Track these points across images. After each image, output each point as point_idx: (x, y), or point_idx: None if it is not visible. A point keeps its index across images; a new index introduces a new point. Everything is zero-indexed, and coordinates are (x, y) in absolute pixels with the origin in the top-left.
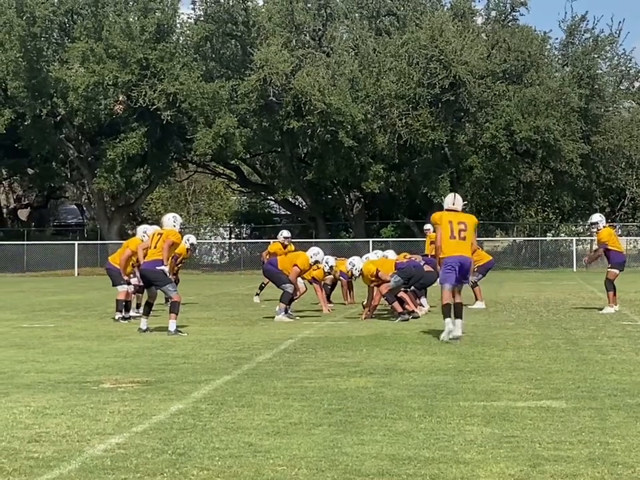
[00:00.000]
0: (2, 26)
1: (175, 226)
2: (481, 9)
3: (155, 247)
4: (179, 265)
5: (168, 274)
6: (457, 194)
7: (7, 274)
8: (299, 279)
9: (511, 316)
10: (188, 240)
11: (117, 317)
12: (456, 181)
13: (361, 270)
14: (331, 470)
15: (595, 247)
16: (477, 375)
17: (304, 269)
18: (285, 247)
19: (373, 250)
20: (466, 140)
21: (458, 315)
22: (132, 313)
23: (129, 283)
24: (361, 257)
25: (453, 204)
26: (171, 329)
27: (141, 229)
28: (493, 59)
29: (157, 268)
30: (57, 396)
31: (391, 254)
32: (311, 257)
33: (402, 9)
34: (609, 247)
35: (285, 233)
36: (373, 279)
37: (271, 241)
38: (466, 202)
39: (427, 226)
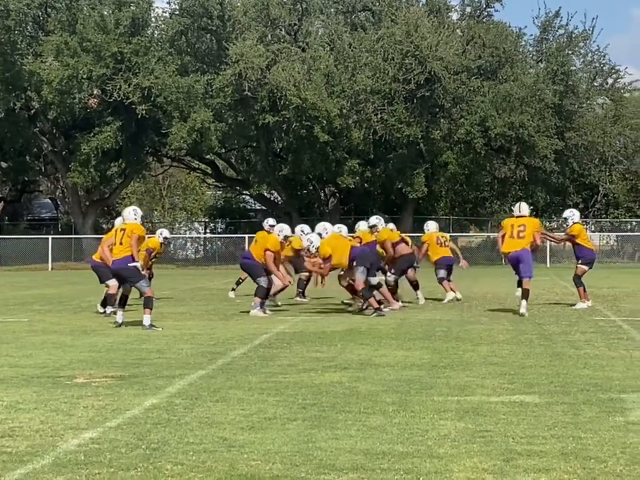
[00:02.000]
0: None
1: (136, 219)
2: (456, 5)
3: (121, 243)
4: (153, 260)
5: (141, 269)
6: (522, 203)
7: None
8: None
9: (484, 311)
10: (161, 234)
11: (108, 312)
12: (431, 176)
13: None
14: (305, 464)
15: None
16: (451, 370)
17: (276, 250)
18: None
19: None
20: (441, 135)
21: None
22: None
23: None
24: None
25: (520, 211)
26: (145, 323)
27: (120, 220)
28: (468, 55)
29: (130, 265)
30: (30, 391)
31: (343, 229)
32: (278, 235)
33: (377, 4)
34: (579, 242)
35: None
36: (345, 283)
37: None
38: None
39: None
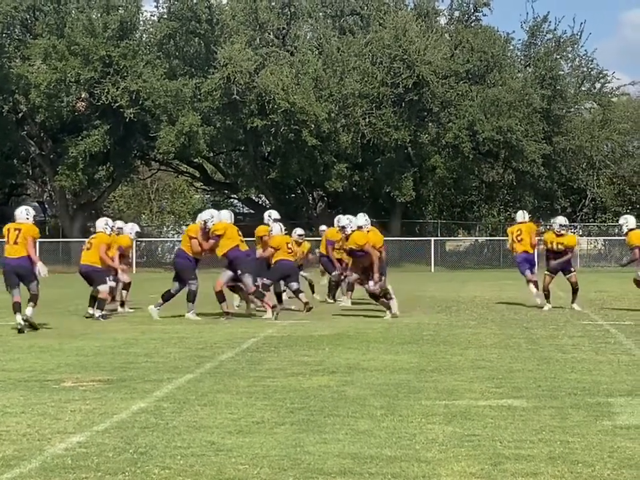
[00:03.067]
0: None
1: (28, 219)
2: (444, 9)
3: (16, 243)
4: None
5: (38, 273)
6: (522, 211)
7: None
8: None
9: (472, 315)
10: (132, 229)
11: (96, 315)
12: (419, 180)
13: None
14: (293, 469)
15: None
16: (439, 374)
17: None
18: (299, 244)
19: None
20: (429, 140)
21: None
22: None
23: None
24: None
25: (524, 218)
26: (28, 313)
27: (102, 221)
28: (456, 59)
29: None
30: (18, 394)
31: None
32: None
33: (365, 8)
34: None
35: (299, 230)
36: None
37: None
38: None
39: (322, 227)
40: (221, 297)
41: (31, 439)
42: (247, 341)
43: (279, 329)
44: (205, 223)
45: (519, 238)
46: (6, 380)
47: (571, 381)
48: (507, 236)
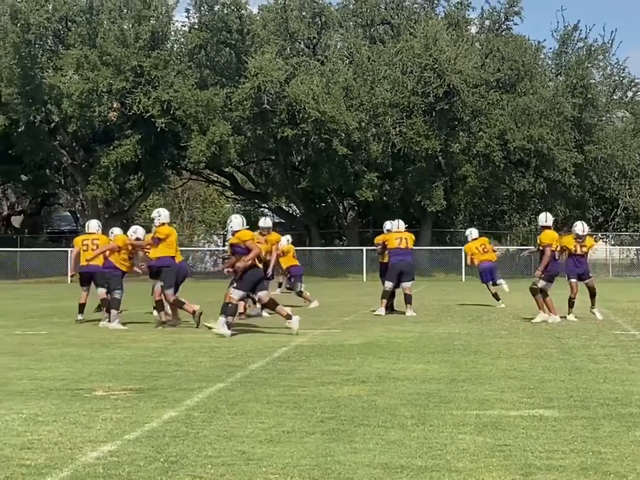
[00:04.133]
0: None
1: None
2: (475, 18)
3: None
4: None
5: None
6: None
7: (0, 281)
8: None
9: (504, 325)
10: (135, 232)
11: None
12: (450, 189)
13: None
14: (324, 478)
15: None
16: (470, 384)
17: (123, 247)
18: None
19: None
20: (460, 149)
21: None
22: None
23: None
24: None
25: (545, 221)
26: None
27: (132, 229)
28: (486, 68)
29: None
30: (50, 403)
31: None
32: (131, 236)
33: (396, 17)
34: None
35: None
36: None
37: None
38: (555, 218)
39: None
40: (160, 305)
41: (62, 448)
42: (278, 350)
43: (309, 338)
44: (153, 219)
45: (484, 249)
46: (38, 388)
47: (603, 391)
48: (535, 244)
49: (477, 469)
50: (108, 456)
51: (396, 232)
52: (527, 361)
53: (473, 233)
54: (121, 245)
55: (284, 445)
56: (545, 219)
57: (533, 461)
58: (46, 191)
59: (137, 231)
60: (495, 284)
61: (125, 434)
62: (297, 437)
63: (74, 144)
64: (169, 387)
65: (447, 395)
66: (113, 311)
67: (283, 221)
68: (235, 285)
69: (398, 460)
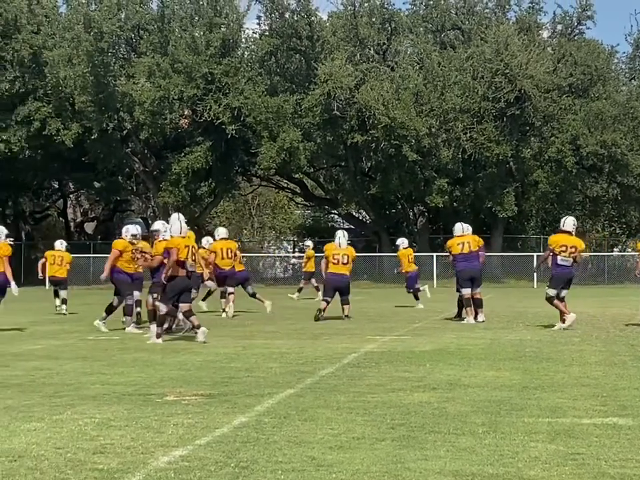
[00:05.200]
0: (70, 41)
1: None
2: (547, 23)
3: None
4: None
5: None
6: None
7: (73, 286)
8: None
9: (576, 332)
10: (127, 231)
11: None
12: (521, 195)
13: None
14: None
15: None
16: (542, 391)
17: (124, 250)
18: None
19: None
20: (531, 154)
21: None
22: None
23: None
24: None
25: (563, 225)
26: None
27: (206, 239)
28: (559, 73)
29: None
30: (122, 408)
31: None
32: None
33: (467, 22)
34: None
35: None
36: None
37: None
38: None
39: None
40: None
41: (134, 452)
42: (348, 357)
43: (379, 344)
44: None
45: (411, 259)
46: (110, 393)
47: None
48: (609, 250)
49: (549, 477)
50: (179, 461)
51: (459, 236)
52: (600, 368)
53: (404, 242)
54: (120, 249)
55: (354, 451)
56: (563, 223)
57: (606, 470)
58: (118, 198)
59: (129, 230)
60: (418, 290)
61: (195, 439)
62: (367, 444)
63: (146, 151)
64: (240, 392)
65: (519, 402)
66: (127, 318)
67: (352, 227)
68: (158, 297)
69: (469, 467)
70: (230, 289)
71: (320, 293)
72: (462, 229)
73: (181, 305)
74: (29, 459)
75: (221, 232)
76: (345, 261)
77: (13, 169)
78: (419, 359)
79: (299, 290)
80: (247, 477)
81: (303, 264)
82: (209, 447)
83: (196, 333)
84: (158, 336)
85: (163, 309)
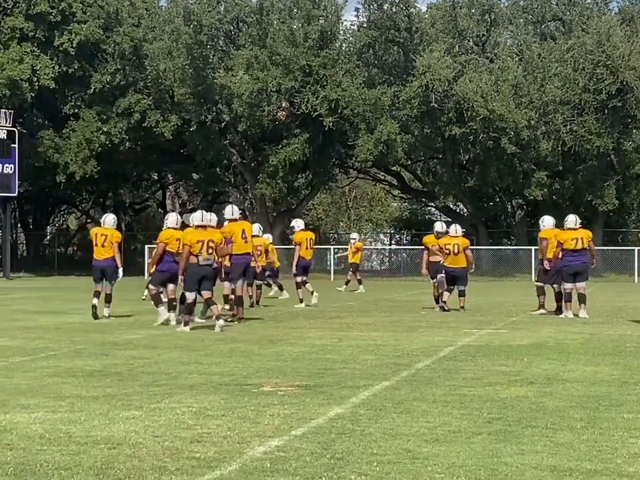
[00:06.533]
0: (170, 34)
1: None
2: None
3: (104, 246)
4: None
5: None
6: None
7: None
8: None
9: None
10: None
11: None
12: (622, 188)
13: None
14: (490, 479)
15: None
16: None
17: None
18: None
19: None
20: (633, 147)
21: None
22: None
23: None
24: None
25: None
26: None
27: (256, 226)
28: None
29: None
30: (219, 398)
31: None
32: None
33: (568, 13)
34: None
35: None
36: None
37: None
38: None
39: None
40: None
41: (231, 442)
42: (444, 350)
43: (476, 337)
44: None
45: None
46: (207, 383)
47: None
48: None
49: None
50: (275, 451)
51: (571, 230)
52: None
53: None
54: (166, 240)
55: (450, 444)
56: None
57: None
58: (216, 189)
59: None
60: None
61: (291, 429)
62: (463, 437)
63: (244, 143)
64: (335, 384)
65: (618, 397)
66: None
67: (450, 220)
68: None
69: (566, 463)
70: (305, 278)
71: (362, 286)
72: (575, 222)
73: (202, 292)
74: (127, 446)
75: (300, 223)
76: (456, 251)
77: (114, 160)
78: (516, 353)
79: (346, 282)
80: (343, 468)
81: (350, 255)
82: (305, 437)
83: (231, 320)
84: (185, 324)
85: (189, 296)
